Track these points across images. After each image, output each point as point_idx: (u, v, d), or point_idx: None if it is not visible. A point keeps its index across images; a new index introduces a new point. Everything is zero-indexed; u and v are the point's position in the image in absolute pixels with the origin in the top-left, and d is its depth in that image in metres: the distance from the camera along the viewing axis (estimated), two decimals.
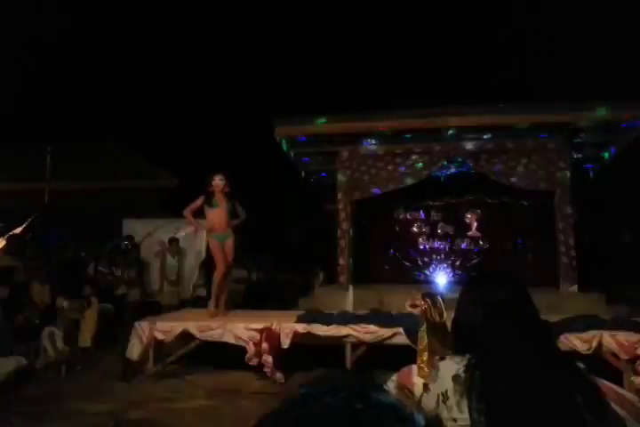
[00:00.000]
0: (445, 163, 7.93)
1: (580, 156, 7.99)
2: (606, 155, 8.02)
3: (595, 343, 4.78)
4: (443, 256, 9.25)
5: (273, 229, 11.29)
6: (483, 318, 1.37)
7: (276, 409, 0.58)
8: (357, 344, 5.34)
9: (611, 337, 4.80)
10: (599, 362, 4.66)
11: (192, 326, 5.58)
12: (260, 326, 5.35)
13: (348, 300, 6.30)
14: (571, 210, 7.37)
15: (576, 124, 7.30)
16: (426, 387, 1.37)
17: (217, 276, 6.25)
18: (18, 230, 9.46)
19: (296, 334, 5.34)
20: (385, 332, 5.22)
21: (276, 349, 5.26)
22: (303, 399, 0.58)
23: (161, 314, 6.92)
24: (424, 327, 2.03)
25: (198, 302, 8.44)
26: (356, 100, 12.63)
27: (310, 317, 5.62)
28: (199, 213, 6.40)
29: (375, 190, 8.00)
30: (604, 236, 9.18)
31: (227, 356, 5.50)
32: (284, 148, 8.17)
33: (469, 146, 7.64)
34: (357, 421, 0.54)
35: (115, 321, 8.20)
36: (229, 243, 6.19)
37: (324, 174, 9.03)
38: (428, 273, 9.24)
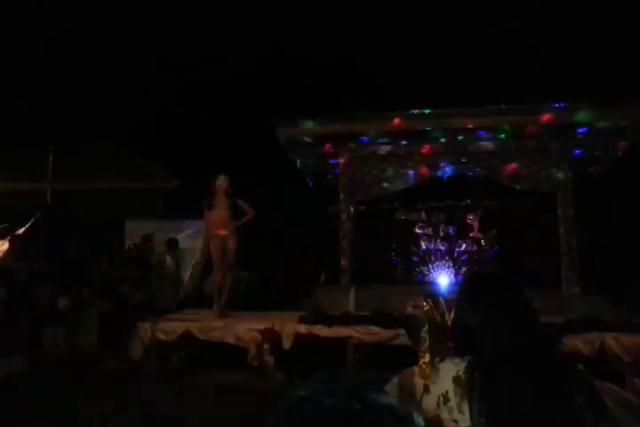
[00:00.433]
0: (447, 164, 7.93)
1: (582, 156, 7.98)
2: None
3: (597, 345, 4.78)
4: (444, 257, 9.25)
5: (274, 230, 11.29)
6: (481, 320, 1.37)
7: (276, 410, 0.58)
8: (359, 345, 5.34)
9: (613, 339, 4.79)
10: (602, 364, 4.65)
11: (194, 327, 5.58)
12: (261, 326, 5.36)
13: (350, 301, 6.30)
14: (572, 211, 7.36)
15: (577, 125, 7.29)
16: (426, 388, 1.37)
17: (216, 277, 6.25)
18: (20, 231, 9.48)
19: (297, 335, 5.34)
20: (386, 333, 5.21)
21: (277, 350, 5.26)
22: (303, 400, 0.58)
23: (160, 315, 6.90)
24: (426, 329, 2.03)
25: (200, 303, 8.45)
26: (358, 101, 12.64)
27: (312, 317, 5.61)
28: (200, 215, 6.40)
29: (377, 191, 8.00)
30: (606, 237, 9.15)
31: (228, 356, 5.50)
32: (286, 148, 8.17)
33: (471, 147, 7.64)
34: (356, 421, 0.54)
35: (117, 321, 8.21)
36: (230, 244, 6.18)
37: (331, 176, 9.00)
38: (430, 274, 9.23)
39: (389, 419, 0.55)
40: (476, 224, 9.21)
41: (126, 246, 9.33)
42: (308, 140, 7.90)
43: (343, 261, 7.94)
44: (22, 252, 7.67)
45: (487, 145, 7.60)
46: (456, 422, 1.26)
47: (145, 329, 5.63)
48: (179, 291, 8.95)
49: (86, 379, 5.59)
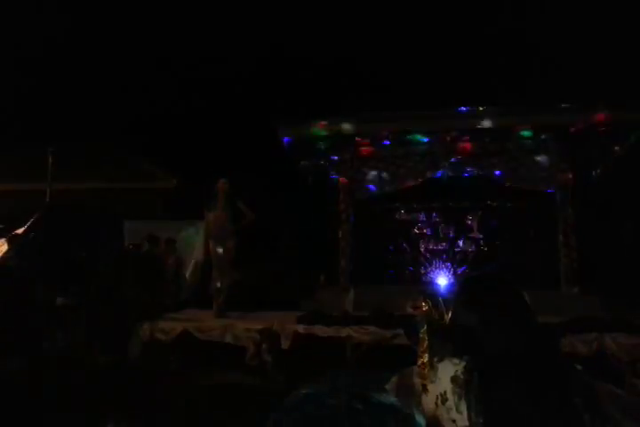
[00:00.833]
0: (447, 164, 7.93)
1: (581, 156, 7.98)
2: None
3: (595, 345, 4.78)
4: (444, 258, 9.25)
5: (274, 230, 11.29)
6: (479, 321, 1.38)
7: (277, 409, 0.59)
8: (358, 345, 5.34)
9: (612, 339, 4.80)
10: (600, 364, 4.65)
11: (193, 327, 5.59)
12: (260, 326, 5.36)
13: (349, 301, 6.31)
14: (572, 211, 7.36)
15: (577, 126, 7.29)
16: (425, 388, 1.37)
17: (214, 277, 6.27)
18: (20, 231, 9.48)
19: (296, 335, 5.34)
20: (385, 333, 5.22)
21: (276, 349, 5.26)
22: (304, 400, 0.58)
23: (159, 315, 6.89)
24: (425, 329, 2.04)
25: (200, 304, 8.45)
26: (358, 101, 12.64)
27: (311, 318, 5.62)
28: (200, 216, 6.41)
29: (376, 192, 8.01)
30: (606, 237, 9.16)
31: (227, 356, 5.50)
32: (286, 148, 8.18)
33: (471, 147, 7.64)
34: (358, 421, 0.55)
35: (116, 321, 8.21)
36: (229, 245, 6.19)
37: (331, 176, 8.99)
38: (429, 274, 9.24)
39: (391, 418, 0.56)
40: (475, 224, 9.22)
41: (126, 246, 9.32)
42: (307, 140, 7.90)
43: (342, 262, 7.94)
44: (21, 252, 7.66)
45: (487, 145, 7.60)
46: (454, 421, 1.26)
47: (144, 329, 5.63)
48: (178, 291, 8.94)
49: (85, 379, 5.59)
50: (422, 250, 9.36)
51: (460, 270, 9.11)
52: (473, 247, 9.21)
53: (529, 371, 1.28)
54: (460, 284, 1.60)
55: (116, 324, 7.85)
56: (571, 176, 7.42)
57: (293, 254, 11.06)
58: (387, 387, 1.48)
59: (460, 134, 7.55)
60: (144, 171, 13.51)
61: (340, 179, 8.11)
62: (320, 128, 7.66)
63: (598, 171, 8.61)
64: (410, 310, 2.20)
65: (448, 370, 1.33)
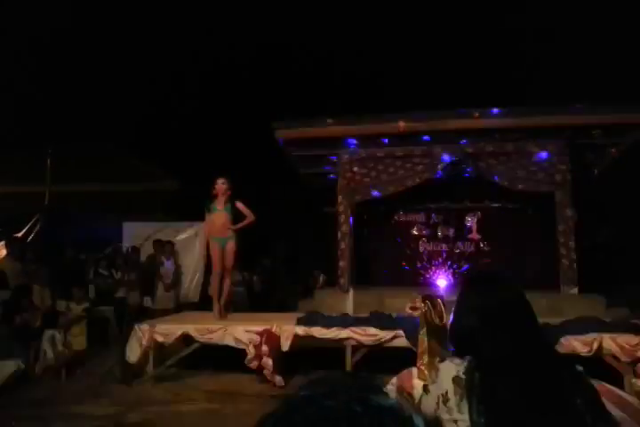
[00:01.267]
0: (446, 165, 7.92)
1: (580, 157, 7.99)
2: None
3: (595, 346, 4.79)
4: (443, 259, 9.26)
5: (273, 232, 11.29)
6: (480, 321, 1.38)
7: (275, 412, 0.58)
8: (357, 347, 5.34)
9: (611, 339, 4.80)
10: (600, 364, 4.66)
11: (192, 329, 5.58)
12: (260, 328, 5.35)
13: (349, 302, 6.30)
14: (571, 212, 7.37)
15: (576, 127, 7.31)
16: (426, 388, 1.37)
17: (215, 279, 6.26)
18: (19, 234, 9.47)
19: (296, 337, 5.34)
20: (385, 334, 5.21)
21: (275, 351, 5.26)
22: (302, 402, 0.58)
23: (156, 318, 6.88)
24: (424, 330, 2.04)
25: (198, 305, 8.45)
26: (357, 102, 12.64)
27: (310, 319, 5.61)
28: (201, 217, 6.41)
29: (375, 193, 8.01)
30: (605, 238, 9.18)
31: (226, 358, 5.50)
32: (285, 150, 8.19)
33: (470, 148, 7.65)
34: (357, 424, 0.54)
35: (114, 324, 8.21)
36: (230, 246, 6.18)
37: (330, 177, 8.98)
38: (429, 276, 9.24)
39: (390, 421, 0.56)
40: (474, 225, 9.23)
41: (124, 249, 9.31)
42: (306, 141, 7.91)
43: (342, 263, 7.94)
44: (21, 254, 7.65)
45: (486, 146, 7.60)
46: (455, 422, 1.26)
47: (143, 331, 5.62)
48: (178, 293, 8.93)
49: (84, 381, 5.59)
50: (421, 251, 9.37)
51: (459, 271, 9.13)
52: (472, 248, 9.23)
53: (530, 371, 1.28)
54: (461, 284, 1.60)
55: (117, 325, 7.86)
56: (569, 177, 7.43)
57: (292, 256, 11.06)
58: (386, 388, 1.48)
59: (459, 135, 7.56)
60: (144, 172, 13.49)
61: (339, 180, 8.12)
62: (318, 129, 7.67)
63: (597, 171, 8.63)
64: (409, 312, 2.21)
65: (450, 370, 1.33)
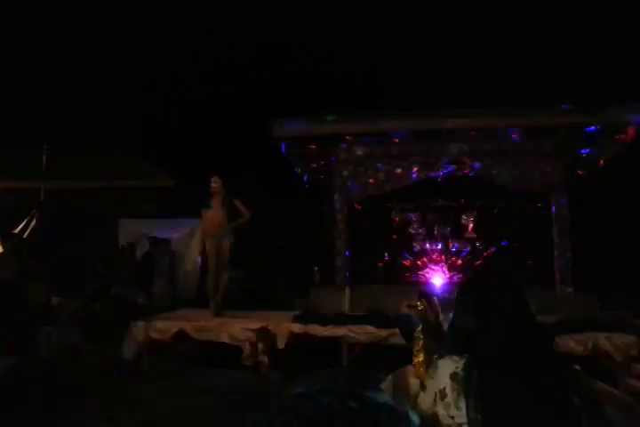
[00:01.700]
0: (442, 164, 7.93)
1: (576, 157, 8.01)
2: None
3: (590, 345, 4.80)
4: (439, 257, 9.27)
5: (269, 229, 11.28)
6: (479, 320, 1.38)
7: (271, 409, 0.58)
8: (354, 345, 5.35)
9: (606, 339, 4.82)
10: (594, 363, 4.67)
11: (188, 326, 5.58)
12: (256, 326, 5.36)
13: (345, 300, 6.32)
14: (567, 212, 7.39)
15: (573, 127, 7.32)
16: (423, 385, 1.37)
17: (210, 276, 6.26)
18: (15, 230, 9.44)
19: (292, 335, 5.34)
20: (381, 332, 5.22)
21: (271, 349, 5.26)
22: (299, 399, 0.58)
23: (154, 314, 6.88)
24: (420, 328, 2.04)
25: (194, 303, 8.44)
26: (354, 101, 12.64)
27: (307, 317, 5.62)
28: (197, 214, 6.40)
29: (372, 192, 8.01)
30: (600, 237, 9.20)
31: (223, 356, 5.50)
32: (282, 147, 8.17)
33: (466, 148, 7.65)
34: (352, 420, 0.55)
35: (110, 321, 8.19)
36: (226, 244, 6.18)
37: (327, 175, 8.96)
38: (425, 274, 9.26)
39: (386, 417, 0.56)
40: (470, 224, 9.24)
41: (120, 245, 9.30)
42: (303, 139, 7.90)
43: (338, 261, 7.95)
44: (16, 251, 7.63)
45: (483, 146, 7.61)
46: (452, 418, 1.27)
47: (139, 328, 5.61)
48: (173, 290, 8.92)
49: (80, 379, 5.58)
50: (417, 250, 9.38)
51: (455, 270, 9.14)
52: (468, 247, 9.24)
53: (528, 369, 1.28)
54: (463, 282, 1.60)
55: (111, 323, 7.84)
56: (566, 177, 7.45)
57: (289, 254, 11.06)
58: (383, 386, 1.48)
59: (455, 134, 7.56)
60: (140, 169, 13.46)
61: (336, 178, 8.12)
62: (315, 127, 7.66)
63: (594, 171, 8.65)
64: (405, 310, 2.21)
65: (448, 367, 1.33)
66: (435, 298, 2.18)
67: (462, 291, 1.54)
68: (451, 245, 9.30)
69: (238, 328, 5.40)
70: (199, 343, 5.63)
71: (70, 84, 15.65)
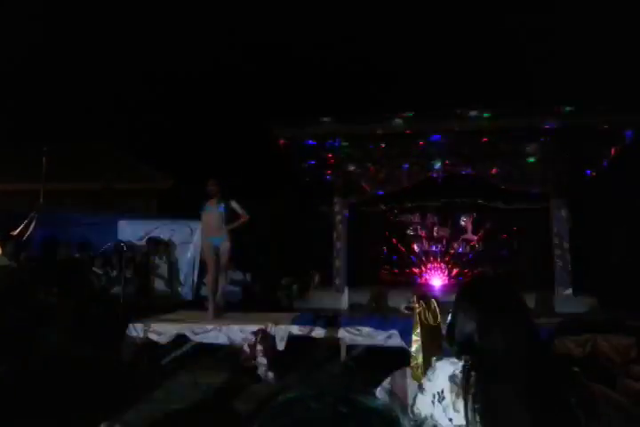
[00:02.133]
0: (441, 165, 7.93)
1: (576, 158, 8.01)
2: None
3: (589, 346, 4.80)
4: (438, 259, 9.27)
5: (268, 231, 11.28)
6: (478, 322, 1.38)
7: (262, 414, 0.59)
8: (352, 346, 5.34)
9: (604, 340, 4.82)
10: (593, 365, 4.67)
11: (187, 328, 5.57)
12: (255, 327, 5.35)
13: (344, 302, 6.31)
14: (566, 213, 7.40)
15: (573, 128, 7.32)
16: (421, 387, 1.37)
17: (209, 278, 6.26)
18: (15, 232, 9.43)
19: (291, 337, 5.33)
20: (379, 334, 5.22)
21: (270, 351, 5.25)
22: (290, 404, 0.58)
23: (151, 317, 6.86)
24: (418, 330, 2.04)
25: (193, 304, 8.43)
26: (354, 102, 12.65)
27: (305, 319, 5.61)
28: (196, 215, 6.40)
29: (371, 192, 8.01)
30: (599, 239, 9.20)
31: (221, 357, 5.49)
32: (282, 149, 8.18)
33: (466, 149, 7.66)
34: (343, 425, 0.55)
35: (109, 322, 8.18)
36: (224, 246, 6.17)
37: (327, 177, 8.96)
38: (424, 276, 9.25)
39: (377, 422, 0.56)
40: (469, 226, 9.24)
41: (119, 247, 9.27)
42: (303, 140, 7.90)
43: (337, 262, 7.95)
44: (16, 253, 7.62)
45: (483, 147, 7.61)
46: (450, 420, 1.27)
47: (138, 330, 5.60)
48: (172, 291, 8.91)
49: (79, 379, 5.57)
50: (417, 251, 9.38)
51: (453, 272, 9.14)
52: (467, 249, 9.24)
53: (526, 371, 1.29)
54: (459, 285, 1.61)
55: (109, 324, 7.83)
56: (564, 178, 7.45)
57: (288, 255, 11.05)
58: (379, 388, 1.48)
59: (455, 136, 7.57)
60: (140, 171, 13.48)
61: (335, 179, 8.11)
62: (315, 128, 7.66)
63: (593, 172, 8.65)
64: (404, 311, 2.21)
65: (446, 369, 1.33)
66: (433, 300, 2.18)
67: (461, 293, 1.54)
68: (450, 246, 9.30)
69: (237, 330, 5.40)
70: (198, 345, 5.62)
71: (70, 86, 15.67)
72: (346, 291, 6.61)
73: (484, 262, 8.99)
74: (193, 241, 9.47)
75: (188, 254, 9.63)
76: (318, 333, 5.35)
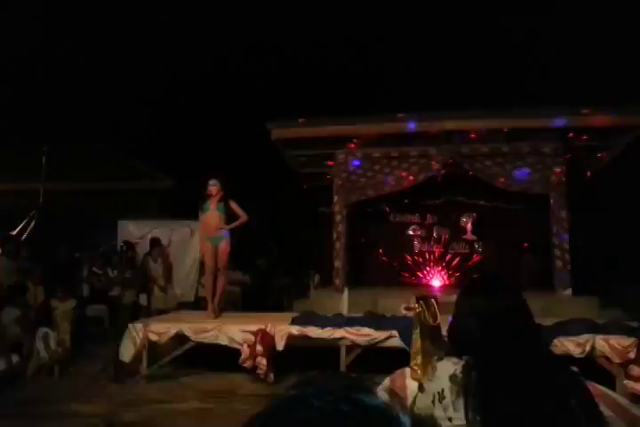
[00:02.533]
0: (441, 166, 7.93)
1: (575, 159, 8.02)
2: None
3: (588, 347, 4.80)
4: (437, 259, 9.27)
5: (268, 231, 11.29)
6: (479, 322, 1.38)
7: (263, 412, 0.58)
8: (352, 347, 5.34)
9: (604, 341, 4.82)
10: (592, 365, 4.67)
11: (186, 328, 5.57)
12: (254, 328, 5.35)
13: (343, 302, 6.30)
14: (565, 213, 7.39)
15: (572, 128, 7.33)
16: (421, 387, 1.37)
17: (208, 279, 6.26)
18: (14, 232, 9.43)
19: (290, 337, 5.34)
20: (379, 335, 5.22)
21: (270, 351, 5.26)
22: (290, 402, 0.58)
23: (150, 317, 6.85)
24: (418, 330, 2.04)
25: (192, 305, 8.43)
26: (353, 102, 12.66)
27: (305, 319, 5.61)
28: (196, 215, 6.40)
29: (371, 193, 8.01)
30: (599, 239, 9.21)
31: (221, 358, 5.49)
32: (281, 149, 8.18)
33: (465, 149, 7.66)
34: (344, 423, 0.54)
35: (109, 322, 8.20)
36: (223, 246, 6.16)
37: (326, 177, 8.95)
38: (423, 276, 9.26)
39: (377, 420, 0.56)
40: (469, 226, 9.25)
41: (118, 247, 9.27)
42: (302, 141, 7.90)
43: (336, 263, 7.94)
44: (15, 252, 7.62)
45: (482, 147, 7.61)
46: (450, 419, 1.27)
47: (137, 330, 5.60)
48: (172, 293, 8.90)
49: (77, 380, 5.57)
50: (416, 251, 9.38)
51: (453, 272, 9.14)
52: (466, 249, 9.24)
53: (526, 371, 1.28)
54: (461, 285, 1.61)
55: (109, 324, 7.85)
56: (564, 178, 7.45)
57: (288, 256, 11.05)
58: (379, 388, 1.48)
59: (454, 136, 7.57)
60: (140, 171, 13.48)
61: (334, 180, 8.11)
62: (314, 129, 7.66)
63: (591, 173, 8.66)
64: (403, 312, 2.21)
65: (447, 369, 1.33)
66: (433, 300, 2.18)
67: (462, 293, 1.54)
68: (449, 246, 9.30)
69: (237, 330, 5.40)
70: (198, 345, 5.62)
71: (71, 87, 15.67)
72: (346, 291, 6.60)
73: (484, 263, 8.99)
74: (193, 241, 9.47)
75: (188, 254, 9.62)
76: (318, 333, 5.35)
